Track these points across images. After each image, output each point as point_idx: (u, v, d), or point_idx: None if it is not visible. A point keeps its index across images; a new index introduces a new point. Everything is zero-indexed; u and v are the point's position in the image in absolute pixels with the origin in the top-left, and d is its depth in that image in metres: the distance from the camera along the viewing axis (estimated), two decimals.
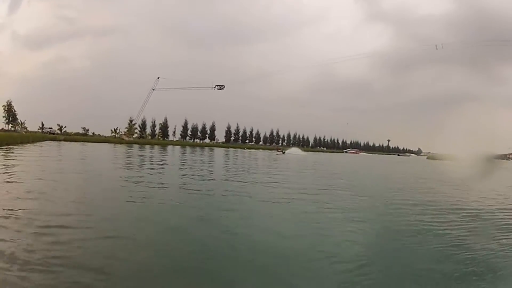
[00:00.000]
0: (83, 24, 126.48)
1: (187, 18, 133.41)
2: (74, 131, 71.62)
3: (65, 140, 47.11)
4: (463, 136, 7.12)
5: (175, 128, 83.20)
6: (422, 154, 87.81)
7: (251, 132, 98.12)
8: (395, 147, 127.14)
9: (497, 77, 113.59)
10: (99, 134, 74.09)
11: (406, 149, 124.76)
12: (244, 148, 72.84)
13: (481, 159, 7.01)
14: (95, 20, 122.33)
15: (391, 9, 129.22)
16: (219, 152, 43.24)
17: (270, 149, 74.15)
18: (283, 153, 51.37)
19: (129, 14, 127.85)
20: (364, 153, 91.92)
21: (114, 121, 73.66)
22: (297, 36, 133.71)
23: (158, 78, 71.68)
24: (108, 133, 75.01)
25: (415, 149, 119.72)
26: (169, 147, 49.44)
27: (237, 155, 36.74)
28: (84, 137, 63.72)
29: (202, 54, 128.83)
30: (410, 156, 74.35)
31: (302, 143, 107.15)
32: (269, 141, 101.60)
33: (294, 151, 59.92)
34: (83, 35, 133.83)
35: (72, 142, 43.56)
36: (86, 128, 74.23)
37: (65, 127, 70.85)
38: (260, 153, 49.28)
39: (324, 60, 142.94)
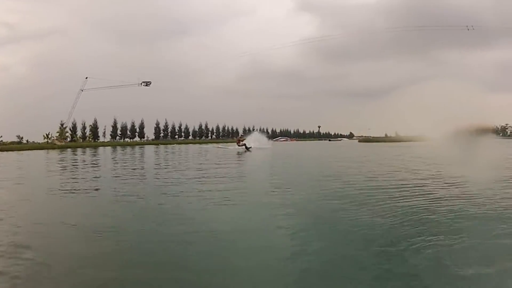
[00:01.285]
0: (23, 29, 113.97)
1: (119, 13, 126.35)
2: (10, 140, 65.42)
3: (1, 150, 44.61)
4: (424, 116, 6.78)
5: (104, 129, 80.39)
6: (354, 138, 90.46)
7: (179, 127, 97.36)
8: (326, 133, 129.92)
9: (435, 61, 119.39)
10: (33, 141, 67.88)
11: (338, 133, 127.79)
12: (173, 144, 70.58)
13: (451, 136, 6.61)
14: (35, 23, 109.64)
15: None
16: (148, 150, 40.07)
17: (227, 142, 66.99)
18: (248, 149, 32.95)
19: (66, 15, 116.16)
20: (295, 141, 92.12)
21: (49, 126, 69.53)
22: (229, 27, 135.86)
23: (87, 78, 69.41)
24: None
25: (347, 133, 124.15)
26: (100, 149, 47.67)
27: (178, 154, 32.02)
28: (19, 145, 57.18)
29: (133, 51, 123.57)
30: (342, 140, 75.86)
31: (231, 134, 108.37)
32: (198, 135, 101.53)
33: (259, 139, 42.52)
34: (21, 40, 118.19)
35: (8, 152, 40.47)
36: (21, 136, 67.69)
37: (1, 136, 63.97)
38: (213, 149, 41.58)
39: (256, 50, 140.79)
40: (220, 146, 49.57)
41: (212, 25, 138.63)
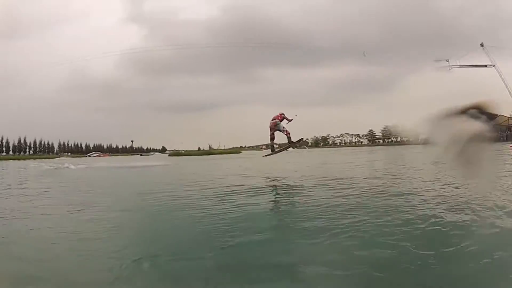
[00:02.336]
0: None
1: None
2: None
3: None
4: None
5: None
6: (166, 152, 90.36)
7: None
8: (139, 147, 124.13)
9: (254, 78, 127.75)
10: None
11: (150, 148, 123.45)
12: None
13: None
14: None
15: (151, 11, 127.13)
16: None
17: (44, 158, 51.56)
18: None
19: None
20: (108, 156, 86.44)
21: None
22: (59, 32, 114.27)
23: None
24: None
25: (159, 147, 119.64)
26: None
27: None
28: None
29: None
30: (154, 155, 75.29)
31: (48, 149, 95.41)
32: (17, 150, 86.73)
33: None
34: None
35: None
36: None
37: None
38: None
39: (78, 59, 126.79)
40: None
41: (38, 29, 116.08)
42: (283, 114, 10.27)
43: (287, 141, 10.20)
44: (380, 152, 32.85)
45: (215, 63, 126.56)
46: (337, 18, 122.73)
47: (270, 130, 10.16)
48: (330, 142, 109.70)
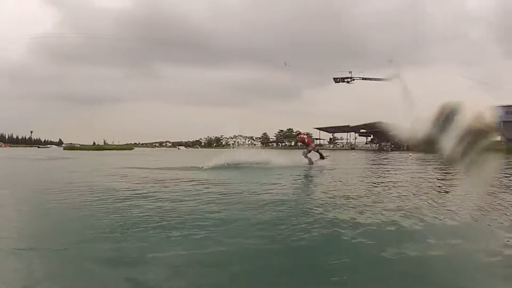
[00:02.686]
0: None
1: None
2: None
3: None
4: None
5: None
6: (63, 145, 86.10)
7: None
8: (37, 139, 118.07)
9: (157, 75, 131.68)
10: None
11: (48, 140, 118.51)
12: None
13: None
14: None
15: None
16: None
17: None
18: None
19: None
20: (9, 147, 76.96)
21: None
22: None
23: None
24: None
25: (56, 140, 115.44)
26: None
27: None
28: None
29: None
30: (50, 148, 71.68)
31: None
32: None
33: None
34: None
35: None
36: None
37: None
38: None
39: None
40: None
41: None
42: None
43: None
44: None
45: (120, 55, 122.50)
46: (245, 22, 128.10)
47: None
48: (224, 143, 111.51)
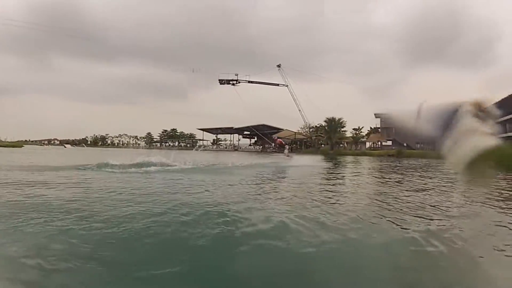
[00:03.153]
0: None
1: None
2: None
3: None
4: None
5: None
6: None
7: None
8: None
9: (51, 66, 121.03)
10: None
11: None
12: None
13: None
14: None
15: None
16: None
17: None
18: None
19: None
20: None
21: None
22: None
23: None
24: None
25: None
26: None
27: None
28: None
29: None
30: None
31: None
32: None
33: None
34: None
35: None
36: None
37: None
38: None
39: None
40: None
41: None
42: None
43: None
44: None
45: (17, 43, 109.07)
46: (141, 19, 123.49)
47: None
48: (109, 142, 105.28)
